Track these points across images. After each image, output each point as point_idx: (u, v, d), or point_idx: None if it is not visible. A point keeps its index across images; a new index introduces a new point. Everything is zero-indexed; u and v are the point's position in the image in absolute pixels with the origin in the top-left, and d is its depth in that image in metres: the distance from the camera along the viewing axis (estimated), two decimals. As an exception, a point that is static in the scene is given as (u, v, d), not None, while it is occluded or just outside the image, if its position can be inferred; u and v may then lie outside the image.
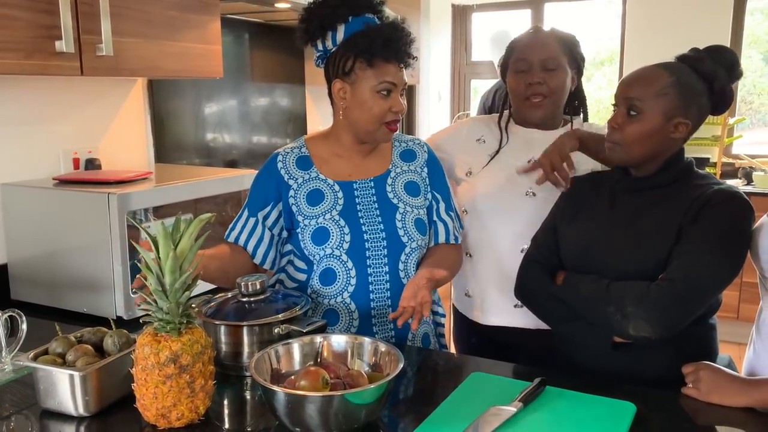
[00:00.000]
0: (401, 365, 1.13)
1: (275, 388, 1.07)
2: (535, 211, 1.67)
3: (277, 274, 1.63)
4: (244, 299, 1.41)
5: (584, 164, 1.72)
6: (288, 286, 1.60)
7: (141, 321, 1.16)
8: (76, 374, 1.15)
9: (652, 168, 1.39)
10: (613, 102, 1.40)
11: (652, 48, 4.48)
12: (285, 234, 1.59)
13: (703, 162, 4.37)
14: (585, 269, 1.41)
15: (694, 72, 1.35)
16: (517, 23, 5.28)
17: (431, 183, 1.61)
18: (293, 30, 1.54)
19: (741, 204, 1.33)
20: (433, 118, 5.00)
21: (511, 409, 1.15)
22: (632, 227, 1.39)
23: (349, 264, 1.50)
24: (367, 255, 1.50)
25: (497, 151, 1.76)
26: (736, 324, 3.59)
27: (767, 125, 4.94)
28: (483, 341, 1.81)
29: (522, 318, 1.71)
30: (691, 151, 1.41)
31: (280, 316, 1.36)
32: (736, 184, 4.27)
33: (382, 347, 1.23)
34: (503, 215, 1.70)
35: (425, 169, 1.61)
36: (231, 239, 1.58)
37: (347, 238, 1.50)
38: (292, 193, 1.53)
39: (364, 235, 1.50)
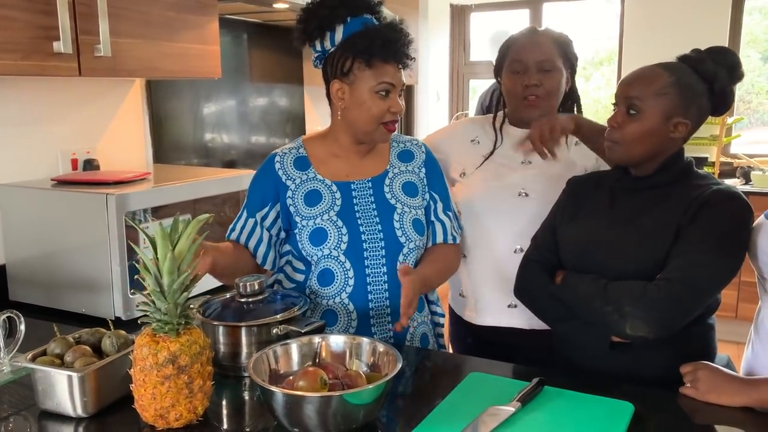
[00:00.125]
0: (399, 365, 1.13)
1: (273, 388, 1.07)
2: (527, 211, 1.67)
3: (276, 275, 1.63)
4: (243, 300, 1.41)
5: (582, 161, 1.72)
6: (286, 286, 1.60)
7: (139, 322, 1.16)
8: (75, 375, 1.15)
9: (652, 168, 1.39)
10: (613, 101, 1.40)
11: (650, 48, 4.48)
12: (283, 234, 1.59)
13: (702, 161, 4.38)
14: (584, 269, 1.41)
15: (695, 72, 1.35)
16: (516, 23, 5.28)
17: (429, 183, 1.61)
18: (291, 30, 1.54)
19: (740, 204, 1.33)
20: (431, 118, 5.00)
21: (510, 409, 1.15)
22: (631, 227, 1.39)
23: (347, 264, 1.50)
24: (365, 256, 1.50)
25: (492, 152, 1.76)
26: (735, 323, 3.59)
27: (765, 125, 4.95)
28: (478, 341, 1.81)
29: (516, 318, 1.71)
30: (689, 151, 1.41)
31: (278, 316, 1.36)
32: (735, 183, 4.27)
33: (381, 347, 1.23)
34: (496, 215, 1.71)
35: (423, 170, 1.62)
36: (232, 240, 1.58)
37: (345, 238, 1.50)
38: (289, 193, 1.53)
39: (362, 235, 1.50)
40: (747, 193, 1.70)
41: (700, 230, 1.30)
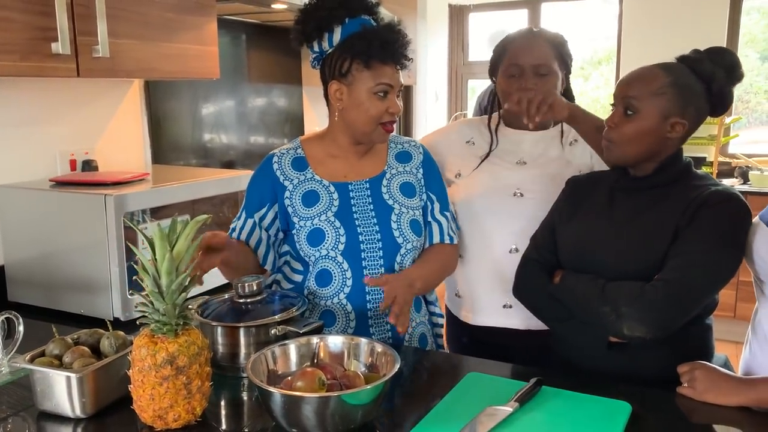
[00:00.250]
0: (398, 366, 1.13)
1: (272, 389, 1.07)
2: (523, 211, 1.68)
3: (274, 275, 1.63)
4: (241, 300, 1.41)
5: (578, 161, 1.73)
6: (284, 287, 1.60)
7: (138, 322, 1.16)
8: (73, 376, 1.15)
9: (650, 168, 1.39)
10: (612, 101, 1.40)
11: (648, 47, 4.49)
12: (281, 235, 1.59)
13: (700, 161, 4.39)
14: (582, 269, 1.42)
15: (693, 73, 1.35)
16: (514, 23, 5.28)
17: (426, 183, 1.61)
18: (290, 31, 1.54)
19: (738, 205, 1.33)
20: (430, 118, 5.00)
21: (507, 409, 1.16)
22: (630, 227, 1.39)
23: (345, 265, 1.50)
24: (363, 257, 1.50)
25: (488, 154, 1.77)
26: (733, 323, 3.60)
27: (764, 124, 4.96)
28: (474, 341, 1.81)
29: (512, 318, 1.71)
30: (687, 151, 1.41)
31: (276, 317, 1.36)
32: (733, 183, 4.28)
33: (379, 348, 1.24)
34: (491, 216, 1.71)
35: (421, 170, 1.62)
36: None
37: (342, 239, 1.50)
38: (287, 194, 1.54)
39: (360, 236, 1.51)
40: (745, 193, 1.70)
41: (698, 231, 1.30)
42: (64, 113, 2.08)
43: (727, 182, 4.22)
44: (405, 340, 1.58)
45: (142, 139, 2.40)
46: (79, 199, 1.70)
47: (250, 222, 1.56)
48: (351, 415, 1.08)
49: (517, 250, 1.66)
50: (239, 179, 2.02)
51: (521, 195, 1.70)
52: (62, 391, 1.16)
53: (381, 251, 1.51)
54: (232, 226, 1.60)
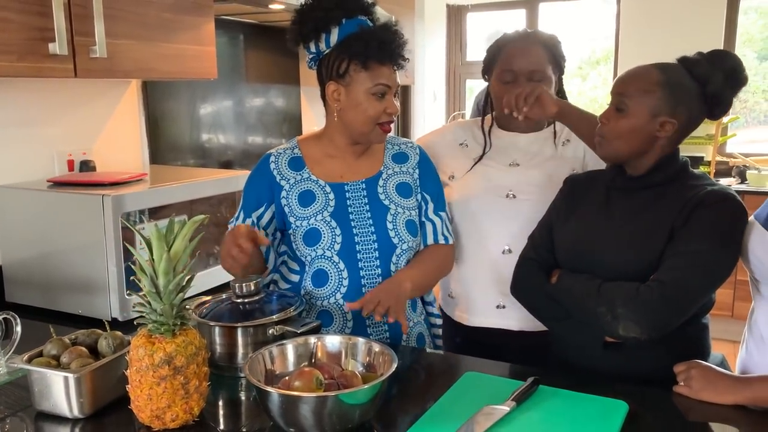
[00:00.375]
0: (395, 365, 1.13)
1: (269, 388, 1.07)
2: (516, 212, 1.68)
3: (272, 275, 1.63)
4: (239, 300, 1.41)
5: (571, 161, 1.73)
6: (282, 287, 1.60)
7: (135, 323, 1.16)
8: (71, 376, 1.15)
9: (645, 167, 1.40)
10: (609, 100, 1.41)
11: (646, 47, 4.50)
12: (279, 235, 1.59)
13: (697, 160, 4.39)
14: (580, 268, 1.42)
15: (689, 74, 1.35)
16: (512, 23, 5.28)
17: (421, 184, 1.61)
18: (287, 31, 1.54)
19: (733, 205, 1.33)
20: (428, 118, 5.00)
21: (504, 409, 1.16)
22: (626, 227, 1.39)
23: (341, 265, 1.51)
24: (359, 257, 1.51)
25: (481, 156, 1.77)
26: (731, 322, 3.60)
27: (761, 124, 4.96)
28: (467, 341, 1.81)
29: (505, 319, 1.72)
30: (685, 150, 1.41)
31: (274, 317, 1.36)
32: (730, 182, 4.28)
33: (376, 347, 1.24)
34: (484, 217, 1.71)
35: (417, 170, 1.62)
36: None
37: (338, 239, 1.50)
38: (284, 193, 1.54)
39: (355, 237, 1.51)
40: (742, 193, 1.71)
41: (693, 231, 1.30)
42: (61, 114, 2.08)
43: (724, 182, 4.24)
44: (403, 340, 1.58)
45: (139, 139, 2.40)
46: (77, 199, 1.70)
47: (248, 222, 1.56)
48: (348, 414, 1.08)
49: (510, 251, 1.67)
50: (237, 179, 2.02)
51: (514, 196, 1.70)
52: (60, 391, 1.16)
53: (377, 252, 1.51)
54: (230, 227, 1.59)
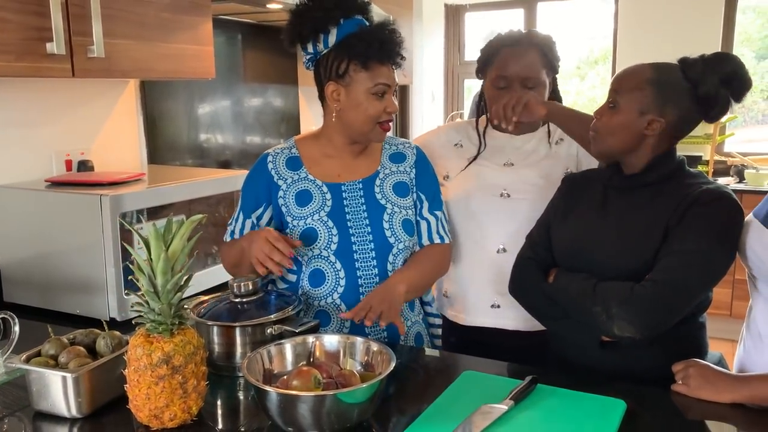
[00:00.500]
0: (393, 364, 1.14)
1: (268, 388, 1.07)
2: (510, 212, 1.68)
3: (269, 275, 1.63)
4: (237, 300, 1.41)
5: (564, 160, 1.73)
6: (280, 286, 1.60)
7: (133, 322, 1.16)
8: (69, 376, 1.15)
9: (640, 165, 1.40)
10: None
11: (644, 46, 4.51)
12: (278, 235, 1.59)
13: (695, 159, 4.40)
14: (577, 267, 1.42)
15: (684, 74, 1.35)
16: (510, 23, 5.28)
17: (417, 183, 1.61)
18: (284, 31, 1.54)
19: (729, 204, 1.33)
20: (426, 118, 5.00)
21: (502, 407, 1.16)
22: (622, 225, 1.39)
23: (338, 265, 1.51)
24: (356, 257, 1.51)
25: (476, 157, 1.77)
26: (729, 321, 3.61)
27: (759, 123, 4.97)
28: (462, 341, 1.81)
29: (499, 318, 1.72)
30: (682, 149, 1.42)
31: (272, 316, 1.36)
32: (728, 182, 4.29)
33: (374, 347, 1.24)
34: (478, 217, 1.72)
35: (414, 170, 1.62)
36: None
37: (335, 239, 1.50)
38: (281, 193, 1.54)
39: (352, 237, 1.51)
40: (740, 192, 1.71)
41: (688, 230, 1.30)
42: (59, 113, 2.08)
43: (722, 181, 4.25)
44: (401, 340, 1.58)
45: (137, 139, 2.40)
46: (75, 199, 1.70)
47: (248, 222, 1.56)
48: (347, 413, 1.08)
49: (505, 250, 1.67)
50: (235, 179, 2.02)
51: (508, 196, 1.70)
52: (58, 391, 1.16)
53: (373, 251, 1.51)
54: (229, 228, 1.59)
